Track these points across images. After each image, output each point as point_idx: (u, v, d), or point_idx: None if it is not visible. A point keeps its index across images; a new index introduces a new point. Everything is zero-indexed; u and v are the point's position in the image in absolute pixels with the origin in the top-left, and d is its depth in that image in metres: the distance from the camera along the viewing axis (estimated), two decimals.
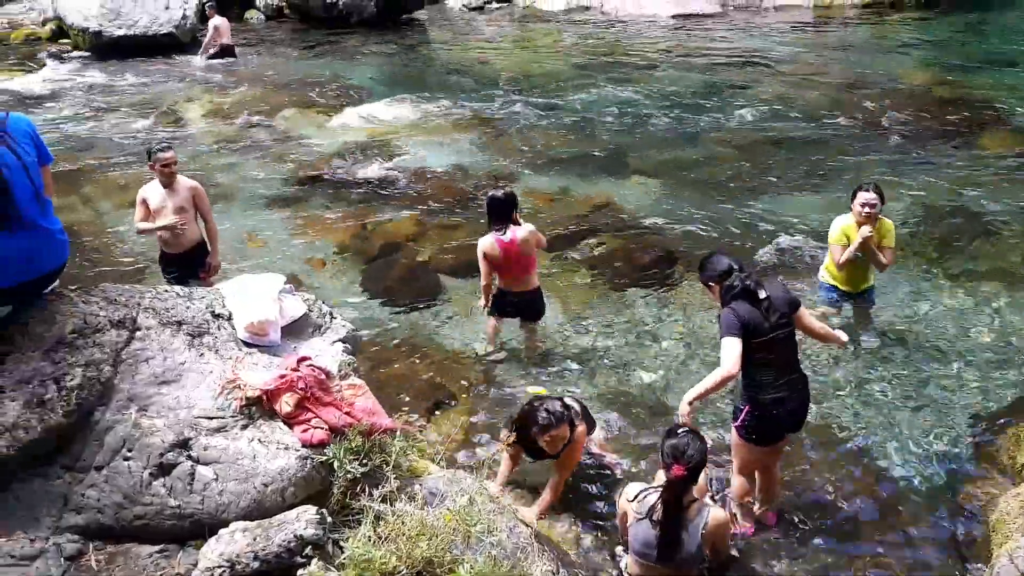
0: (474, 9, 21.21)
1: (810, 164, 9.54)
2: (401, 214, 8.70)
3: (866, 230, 5.44)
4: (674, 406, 5.33)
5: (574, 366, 5.91)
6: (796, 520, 4.42)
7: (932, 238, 7.57)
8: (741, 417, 4.08)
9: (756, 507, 4.41)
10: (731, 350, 3.80)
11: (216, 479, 3.20)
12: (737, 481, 4.34)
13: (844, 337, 4.51)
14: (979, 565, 3.89)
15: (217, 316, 3.86)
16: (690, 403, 3.89)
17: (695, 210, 8.47)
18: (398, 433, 3.59)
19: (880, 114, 11.12)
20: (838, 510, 4.49)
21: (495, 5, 21.30)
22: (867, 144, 10.09)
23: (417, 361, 5.99)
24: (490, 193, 5.86)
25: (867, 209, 5.43)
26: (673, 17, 18.29)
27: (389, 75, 14.98)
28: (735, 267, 4.00)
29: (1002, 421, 4.97)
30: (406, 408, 5.00)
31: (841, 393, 5.42)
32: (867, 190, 5.47)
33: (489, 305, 5.99)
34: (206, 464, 3.23)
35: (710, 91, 12.74)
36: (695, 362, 5.81)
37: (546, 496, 4.42)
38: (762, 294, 3.91)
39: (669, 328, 6.35)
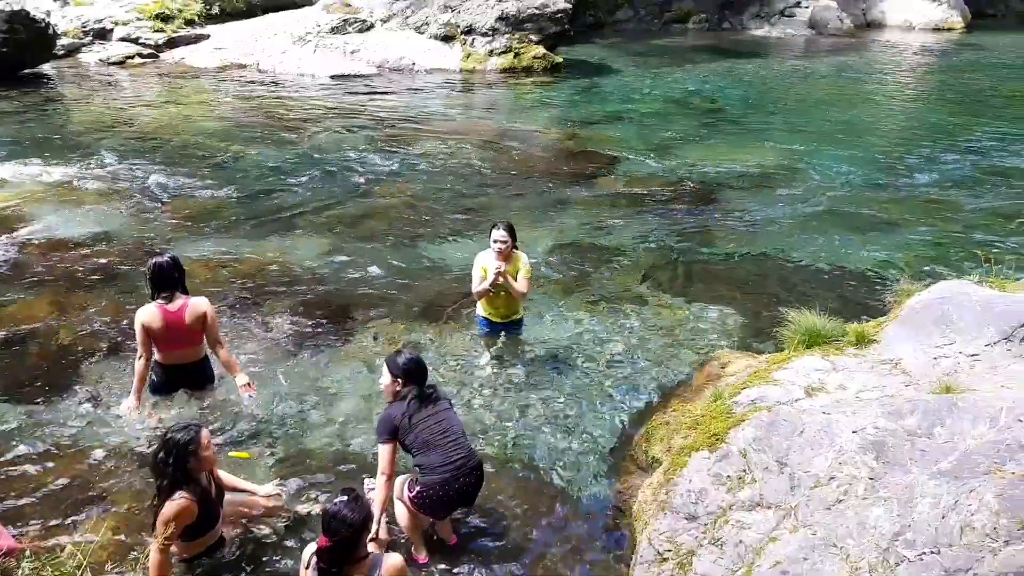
0: (114, 64, 19.44)
1: (466, 210, 10.28)
2: (30, 293, 7.59)
3: (501, 266, 6.03)
4: (355, 465, 5.35)
5: (253, 435, 5.61)
6: (473, 539, 4.70)
7: (569, 269, 8.56)
8: (414, 493, 4.39)
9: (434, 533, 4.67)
10: (383, 455, 4.38)
11: None
12: (404, 512, 4.53)
13: None
14: (629, 552, 4.42)
15: None
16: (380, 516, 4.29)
17: (365, 262, 8.63)
18: (27, 552, 3.09)
19: (522, 164, 12.38)
20: (511, 524, 4.83)
21: (138, 60, 19.75)
22: (513, 190, 11.16)
23: (55, 464, 5.21)
24: (153, 260, 5.44)
25: (499, 245, 6.05)
26: (332, 77, 18.59)
27: (9, 136, 13.10)
28: (413, 375, 4.47)
29: (637, 422, 5.75)
30: (39, 522, 4.33)
31: (505, 422, 5.85)
32: (499, 229, 6.08)
33: (141, 392, 5.48)
34: None
35: (372, 147, 13.14)
36: (375, 417, 5.86)
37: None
38: (426, 411, 4.42)
39: (348, 384, 6.34)
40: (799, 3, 29.10)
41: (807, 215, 10.31)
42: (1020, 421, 3.93)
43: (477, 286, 6.25)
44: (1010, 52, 24.92)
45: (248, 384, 5.62)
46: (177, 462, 3.99)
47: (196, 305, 5.42)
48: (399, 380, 4.50)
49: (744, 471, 4.27)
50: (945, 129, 15.12)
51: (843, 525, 3.76)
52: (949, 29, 29.95)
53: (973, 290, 5.46)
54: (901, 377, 4.80)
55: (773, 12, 29.21)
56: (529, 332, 6.93)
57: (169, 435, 4.08)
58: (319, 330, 7.17)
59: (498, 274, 6.02)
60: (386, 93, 17.52)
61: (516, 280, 6.20)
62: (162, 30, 20.28)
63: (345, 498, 3.63)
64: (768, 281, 8.38)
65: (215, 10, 21.04)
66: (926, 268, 8.41)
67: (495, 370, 6.50)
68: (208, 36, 20.55)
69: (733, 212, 10.42)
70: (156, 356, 5.45)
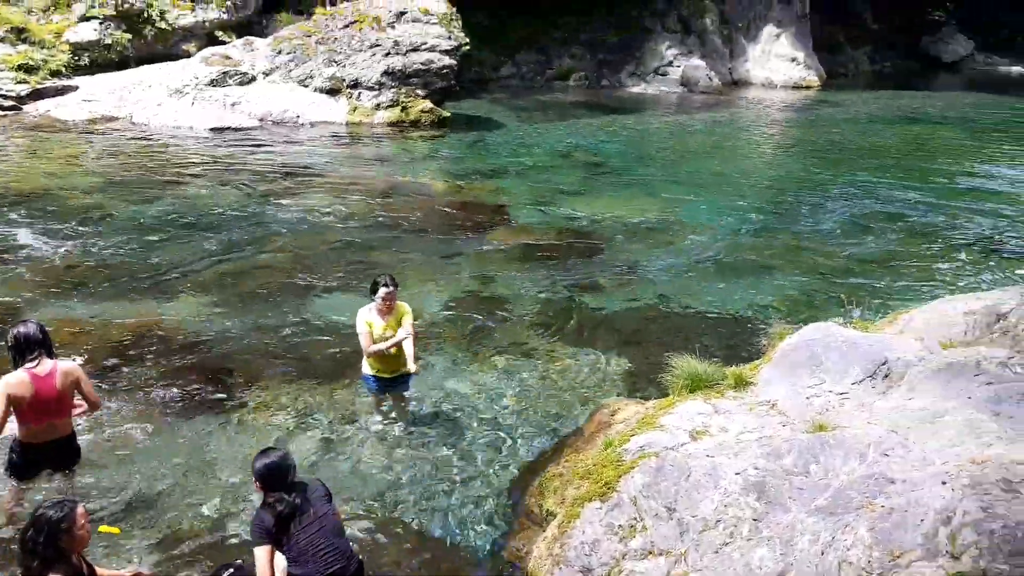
0: None
1: (353, 264, 10.12)
2: None
3: (391, 342, 6.02)
4: (235, 540, 5.05)
5: (126, 509, 5.25)
6: None
7: (461, 322, 8.54)
8: None
9: None
10: (260, 560, 4.02)
11: None
12: None
13: None
14: None
15: None
16: None
17: (247, 322, 8.31)
18: None
19: (411, 217, 12.35)
20: None
21: None
22: (402, 244, 11.10)
23: None
24: (15, 329, 5.04)
25: (388, 301, 5.98)
26: (211, 130, 18.07)
27: None
28: (286, 477, 4.14)
29: (531, 474, 5.72)
30: None
31: (397, 483, 5.70)
32: (385, 284, 6.02)
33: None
34: None
35: (257, 201, 12.80)
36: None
37: None
38: (300, 519, 4.10)
39: (231, 453, 6.02)
40: (671, 63, 30.87)
41: (687, 262, 10.76)
42: (886, 455, 4.16)
43: (367, 343, 6.11)
44: (860, 108, 27.22)
45: None
46: (49, 540, 3.68)
47: (66, 367, 5.09)
48: (259, 485, 4.21)
49: (635, 519, 4.32)
50: (810, 179, 16.25)
51: (731, 568, 3.84)
52: (807, 87, 32.50)
53: (839, 331, 5.81)
54: (778, 417, 5.01)
55: (648, 71, 30.83)
56: (420, 387, 6.84)
57: (41, 511, 3.78)
58: (198, 396, 6.82)
59: (392, 346, 6.05)
60: (269, 146, 17.18)
61: (402, 325, 6.12)
62: (25, 81, 19.18)
63: (231, 570, 3.45)
64: (653, 328, 8.64)
65: (84, 61, 20.09)
66: (798, 311, 8.90)
67: (385, 429, 6.36)
68: (77, 88, 19.59)
69: (618, 261, 10.74)
70: (20, 433, 5.03)
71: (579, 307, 9.11)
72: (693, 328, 8.60)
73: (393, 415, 6.52)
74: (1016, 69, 45.55)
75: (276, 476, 4.12)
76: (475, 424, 6.49)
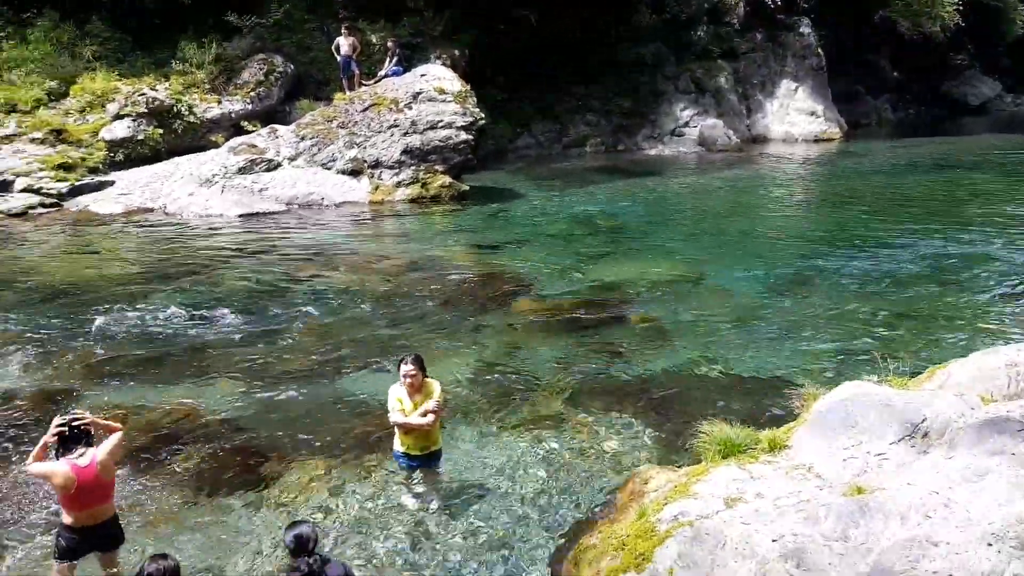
0: (15, 216, 18.92)
1: (381, 341, 10.21)
2: None
3: (429, 419, 6.11)
4: None
5: None
6: None
7: (488, 394, 8.53)
8: None
9: None
10: None
11: None
12: None
13: None
14: None
15: None
16: None
17: (283, 401, 8.45)
18: None
19: (435, 291, 12.47)
20: None
21: (41, 210, 19.31)
22: (427, 318, 11.19)
23: None
24: (56, 420, 5.22)
25: (408, 379, 6.04)
26: (240, 216, 18.57)
27: None
28: (308, 545, 4.50)
29: (565, 547, 5.63)
30: None
31: (430, 561, 5.66)
32: (407, 363, 6.10)
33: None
34: None
35: (286, 283, 13.06)
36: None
37: None
38: None
39: (269, 532, 6.07)
40: (687, 123, 31.24)
41: (715, 324, 10.67)
42: (928, 517, 4.05)
43: (397, 418, 6.17)
44: (885, 157, 27.20)
45: None
46: None
47: (102, 453, 5.25)
48: (288, 551, 4.56)
49: None
50: (836, 233, 16.17)
51: None
52: (828, 139, 32.57)
53: (874, 390, 5.70)
54: (814, 481, 4.90)
55: (664, 133, 31.22)
56: (450, 462, 6.83)
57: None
58: (233, 477, 6.95)
59: (435, 414, 6.11)
60: (296, 229, 17.59)
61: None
62: (64, 179, 20.01)
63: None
64: (683, 392, 8.54)
65: (119, 156, 20.94)
66: (831, 369, 8.77)
67: (417, 506, 6.37)
68: (113, 182, 20.36)
69: (643, 327, 10.70)
70: (66, 519, 5.22)
71: (606, 374, 9.06)
72: (723, 391, 8.49)
73: (424, 492, 6.51)
74: None
75: (301, 543, 4.51)
76: (506, 497, 6.44)
